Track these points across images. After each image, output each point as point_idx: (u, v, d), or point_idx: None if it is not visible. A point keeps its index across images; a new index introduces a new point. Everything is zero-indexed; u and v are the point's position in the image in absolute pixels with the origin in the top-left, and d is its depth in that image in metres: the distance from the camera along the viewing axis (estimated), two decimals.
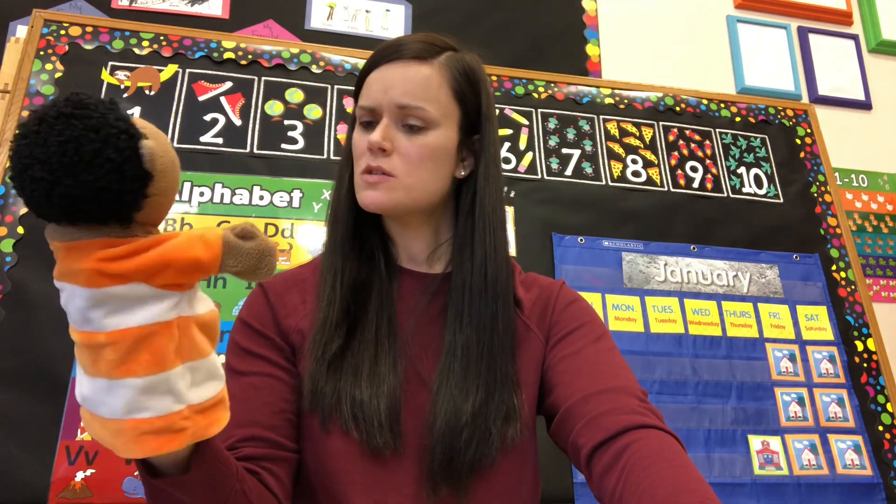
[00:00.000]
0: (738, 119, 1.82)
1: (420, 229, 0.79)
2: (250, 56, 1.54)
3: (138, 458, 0.45)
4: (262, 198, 1.44)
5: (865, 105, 2.07)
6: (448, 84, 0.75)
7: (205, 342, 0.48)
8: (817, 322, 1.64)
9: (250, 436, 0.67)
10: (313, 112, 1.53)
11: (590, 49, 1.90)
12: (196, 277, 0.46)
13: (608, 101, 1.74)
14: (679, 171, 1.72)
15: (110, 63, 1.45)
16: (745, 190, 1.74)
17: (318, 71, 1.57)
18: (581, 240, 1.58)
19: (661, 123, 1.76)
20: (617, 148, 1.70)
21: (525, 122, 1.66)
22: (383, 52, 0.75)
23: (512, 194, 1.58)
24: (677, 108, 1.79)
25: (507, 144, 1.63)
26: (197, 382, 0.47)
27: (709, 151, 1.76)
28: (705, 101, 1.82)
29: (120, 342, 0.43)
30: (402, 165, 0.72)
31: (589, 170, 1.66)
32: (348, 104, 1.56)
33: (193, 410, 0.46)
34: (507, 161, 1.61)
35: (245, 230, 0.47)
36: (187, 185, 1.40)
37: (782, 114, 1.87)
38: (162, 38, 1.50)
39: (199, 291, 0.49)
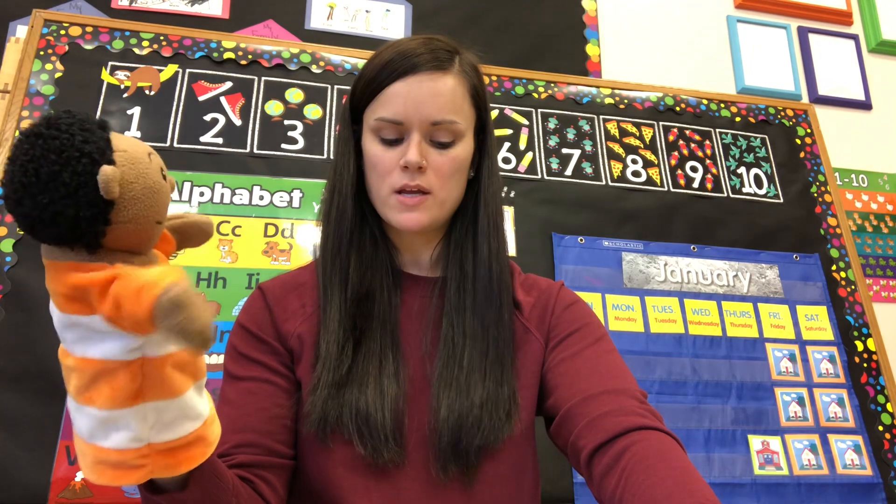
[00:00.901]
0: (738, 119, 1.82)
1: (431, 236, 0.79)
2: (250, 56, 1.54)
3: (95, 483, 0.44)
4: (262, 198, 1.44)
5: (865, 105, 2.07)
6: (468, 91, 0.74)
7: (179, 381, 0.46)
8: (817, 322, 1.64)
9: (244, 442, 0.67)
10: (313, 112, 1.53)
11: (590, 49, 1.90)
12: (144, 328, 0.41)
13: (608, 101, 1.74)
14: (679, 171, 1.72)
15: (110, 63, 1.45)
16: (745, 190, 1.74)
17: (318, 71, 1.57)
18: (581, 240, 1.58)
19: (661, 123, 1.76)
20: (617, 148, 1.70)
21: (525, 122, 1.66)
22: (401, 63, 0.71)
23: (512, 194, 1.58)
24: (677, 108, 1.79)
25: (507, 144, 1.63)
26: (164, 422, 0.45)
27: (709, 151, 1.76)
28: (705, 101, 1.82)
29: (83, 370, 0.42)
30: (437, 180, 0.72)
31: (589, 170, 1.66)
32: None
33: (155, 450, 0.45)
34: (507, 161, 1.61)
35: (175, 299, 0.38)
36: (187, 185, 1.40)
37: (782, 114, 1.87)
38: (162, 38, 1.50)
39: None
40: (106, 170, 0.40)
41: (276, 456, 0.68)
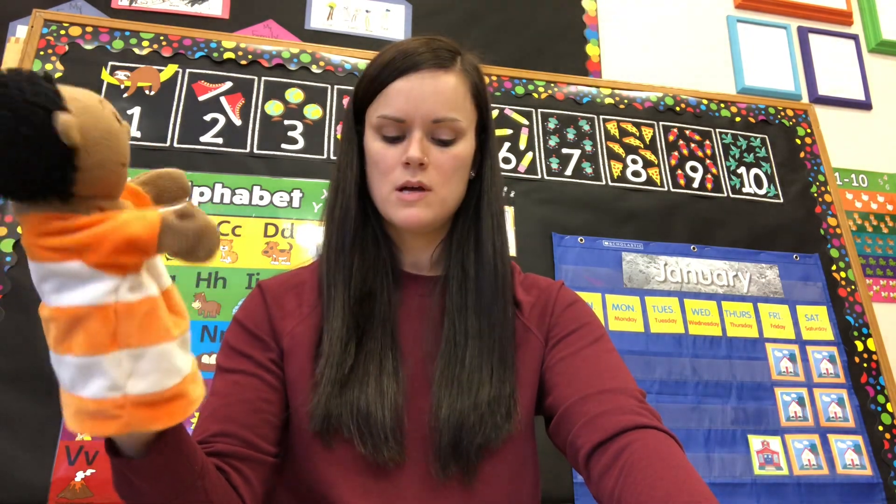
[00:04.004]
0: (738, 119, 1.82)
1: (431, 235, 0.79)
2: (250, 56, 1.54)
3: (79, 433, 0.45)
4: (262, 198, 1.44)
5: (865, 105, 2.07)
6: (469, 90, 0.75)
7: (155, 329, 0.47)
8: (817, 322, 1.64)
9: (224, 431, 0.67)
10: (313, 112, 1.53)
11: (590, 49, 1.90)
12: (135, 258, 0.45)
13: (608, 101, 1.74)
14: (679, 171, 1.72)
15: (110, 63, 1.45)
16: (745, 190, 1.74)
17: (318, 71, 1.57)
18: (581, 240, 1.58)
19: (661, 123, 1.76)
20: (617, 148, 1.70)
21: (525, 122, 1.66)
22: (403, 62, 0.72)
23: (512, 194, 1.58)
24: (677, 108, 1.79)
25: (507, 144, 1.63)
26: (141, 373, 0.45)
27: (709, 151, 1.76)
28: (705, 101, 1.82)
29: (59, 319, 0.44)
30: (438, 178, 0.72)
31: (589, 170, 1.66)
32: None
33: (131, 401, 0.45)
34: (507, 161, 1.61)
35: (185, 210, 0.47)
36: None
37: (782, 114, 1.87)
38: (162, 38, 1.50)
39: (157, 268, 0.49)
40: (62, 117, 0.41)
41: (254, 449, 0.68)
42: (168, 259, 0.50)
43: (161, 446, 0.53)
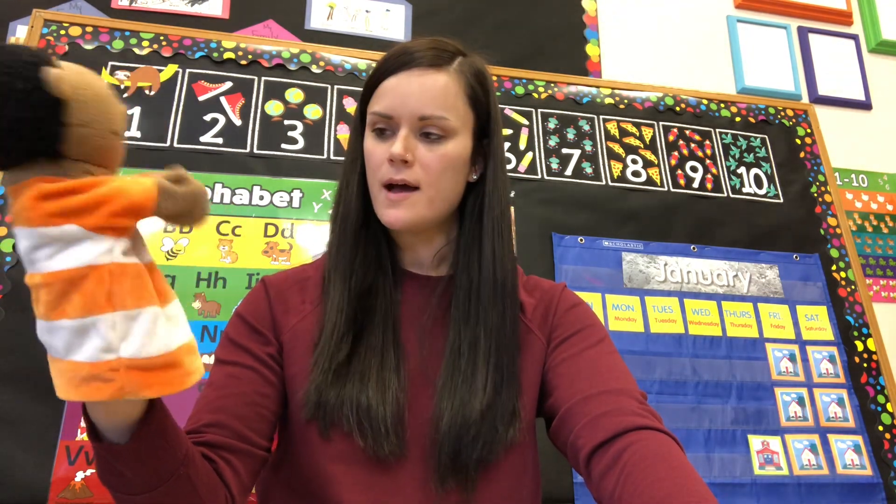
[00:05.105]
0: (738, 119, 1.82)
1: (430, 235, 0.79)
2: (250, 56, 1.54)
3: (73, 400, 0.45)
4: (262, 198, 1.44)
5: (865, 105, 2.07)
6: (464, 91, 0.74)
7: (149, 293, 0.47)
8: (817, 322, 1.64)
9: (216, 422, 0.67)
10: (313, 112, 1.53)
11: (590, 49, 1.90)
12: (132, 221, 0.47)
13: (608, 101, 1.74)
14: (679, 171, 1.72)
15: (110, 63, 1.45)
16: (745, 190, 1.75)
17: (318, 71, 1.57)
18: (581, 240, 1.58)
19: (661, 123, 1.76)
20: (617, 148, 1.70)
21: (525, 122, 1.66)
22: (397, 59, 0.73)
23: (512, 194, 1.58)
24: (677, 108, 1.79)
25: (507, 144, 1.63)
26: (134, 334, 0.46)
27: (709, 151, 1.76)
28: (705, 101, 1.82)
29: (53, 284, 0.44)
30: (424, 176, 0.72)
31: (589, 170, 1.66)
32: (348, 104, 1.56)
33: (125, 364, 0.46)
34: (507, 161, 1.61)
35: (178, 175, 0.50)
36: None
37: (782, 114, 1.87)
38: (162, 38, 1.50)
39: (141, 241, 0.50)
40: (54, 70, 0.43)
41: (245, 442, 0.68)
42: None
43: (144, 432, 0.53)
